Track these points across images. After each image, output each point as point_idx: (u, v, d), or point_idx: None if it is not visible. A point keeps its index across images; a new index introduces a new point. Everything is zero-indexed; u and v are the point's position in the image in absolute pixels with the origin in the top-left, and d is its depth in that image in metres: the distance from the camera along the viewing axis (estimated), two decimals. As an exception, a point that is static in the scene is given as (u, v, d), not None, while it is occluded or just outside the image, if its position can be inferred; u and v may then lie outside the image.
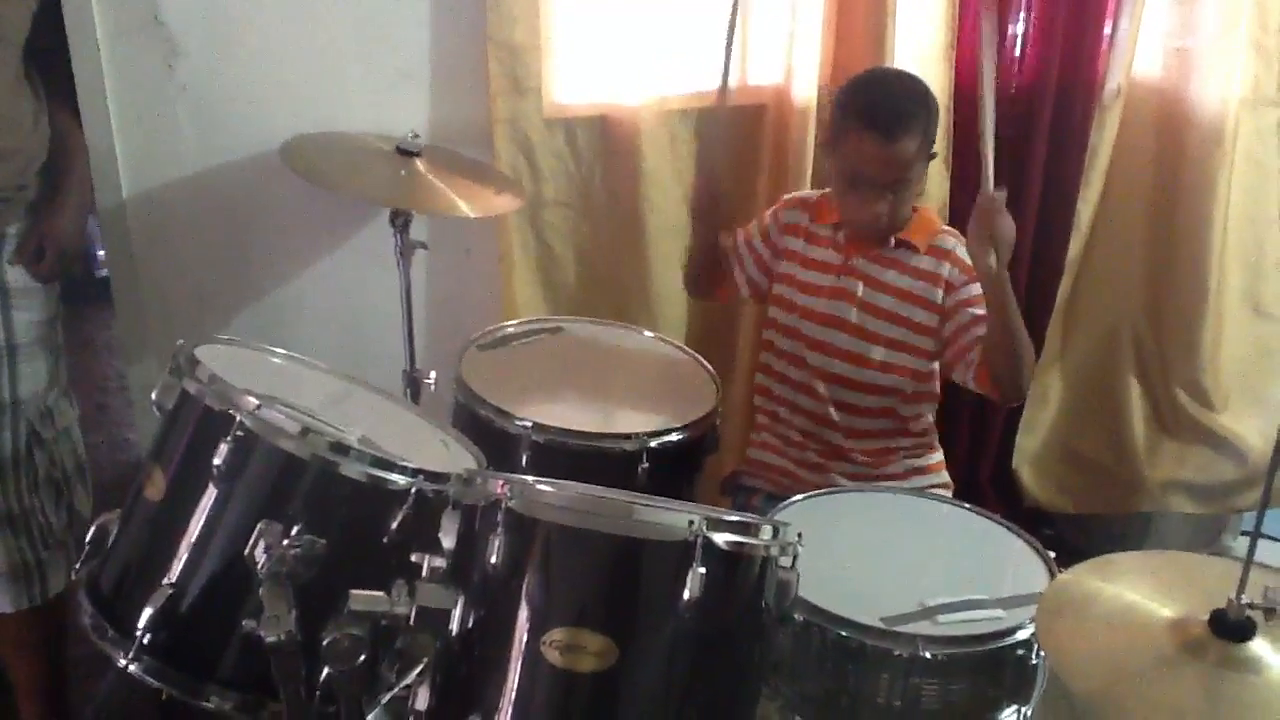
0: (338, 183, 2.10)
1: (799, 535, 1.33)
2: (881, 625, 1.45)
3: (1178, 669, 1.15)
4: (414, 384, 2.14)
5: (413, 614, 1.24)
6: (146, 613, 1.32)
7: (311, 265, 2.32)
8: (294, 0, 2.12)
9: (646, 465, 1.76)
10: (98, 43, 2.01)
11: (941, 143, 2.39)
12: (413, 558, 1.28)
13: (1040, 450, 2.87)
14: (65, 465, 2.00)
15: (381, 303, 2.18)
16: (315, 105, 2.18)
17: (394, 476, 1.36)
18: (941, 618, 1.49)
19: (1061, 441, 2.88)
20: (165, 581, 1.34)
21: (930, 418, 2.15)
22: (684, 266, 2.31)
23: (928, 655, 1.42)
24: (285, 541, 1.27)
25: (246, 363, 1.59)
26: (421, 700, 1.26)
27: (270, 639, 1.22)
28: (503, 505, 1.23)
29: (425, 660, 1.26)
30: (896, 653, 1.43)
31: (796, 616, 1.45)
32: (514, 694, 1.22)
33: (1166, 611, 1.21)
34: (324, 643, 1.21)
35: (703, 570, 1.20)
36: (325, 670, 1.23)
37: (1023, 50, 2.61)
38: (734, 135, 2.49)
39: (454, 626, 1.25)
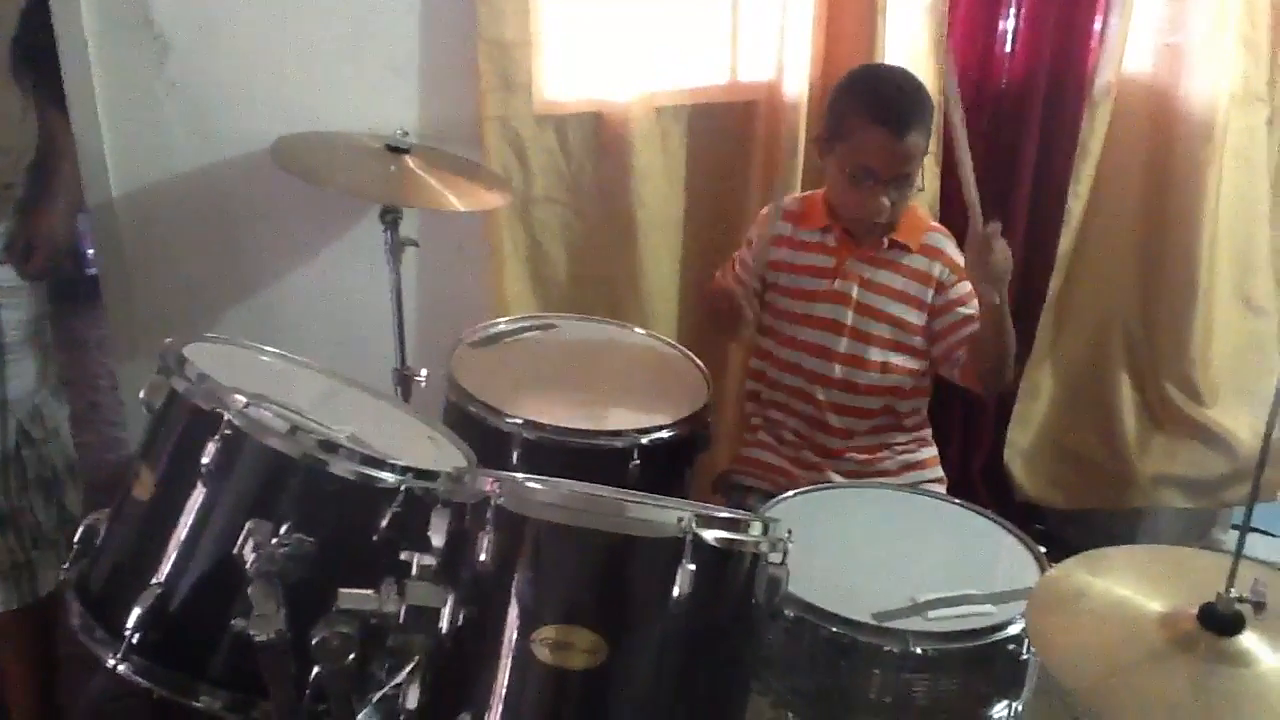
0: (328, 180, 2.09)
1: (789, 532, 1.34)
2: (873, 621, 1.45)
3: (1168, 663, 1.16)
4: (404, 382, 2.14)
5: (402, 612, 1.24)
6: (135, 612, 1.31)
7: (302, 262, 2.31)
8: (283, -3, 2.12)
9: (638, 462, 1.76)
10: (86, 39, 2.00)
11: (933, 139, 2.39)
12: (402, 556, 1.28)
13: (1032, 445, 2.87)
14: (55, 464, 2.00)
15: (372, 300, 2.18)
16: (305, 103, 2.17)
17: (383, 475, 1.36)
18: (933, 613, 1.49)
19: (1053, 436, 2.88)
20: (154, 581, 1.33)
21: (924, 412, 2.16)
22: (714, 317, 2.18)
23: (919, 651, 1.43)
24: (274, 540, 1.26)
25: (235, 361, 1.58)
26: (412, 699, 1.25)
27: (260, 638, 1.21)
28: (492, 503, 1.23)
29: (415, 659, 1.26)
30: (888, 649, 1.43)
31: (788, 613, 1.45)
32: (504, 692, 1.22)
33: (1156, 606, 1.22)
34: (313, 641, 1.21)
35: (693, 567, 1.20)
36: (315, 669, 1.23)
37: (1013, 46, 2.62)
38: (725, 132, 2.49)
39: (444, 625, 1.25)
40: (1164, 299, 2.75)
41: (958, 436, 2.81)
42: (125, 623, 1.31)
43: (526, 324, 2.16)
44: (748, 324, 1.99)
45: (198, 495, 1.34)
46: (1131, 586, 1.26)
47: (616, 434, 1.78)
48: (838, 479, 2.05)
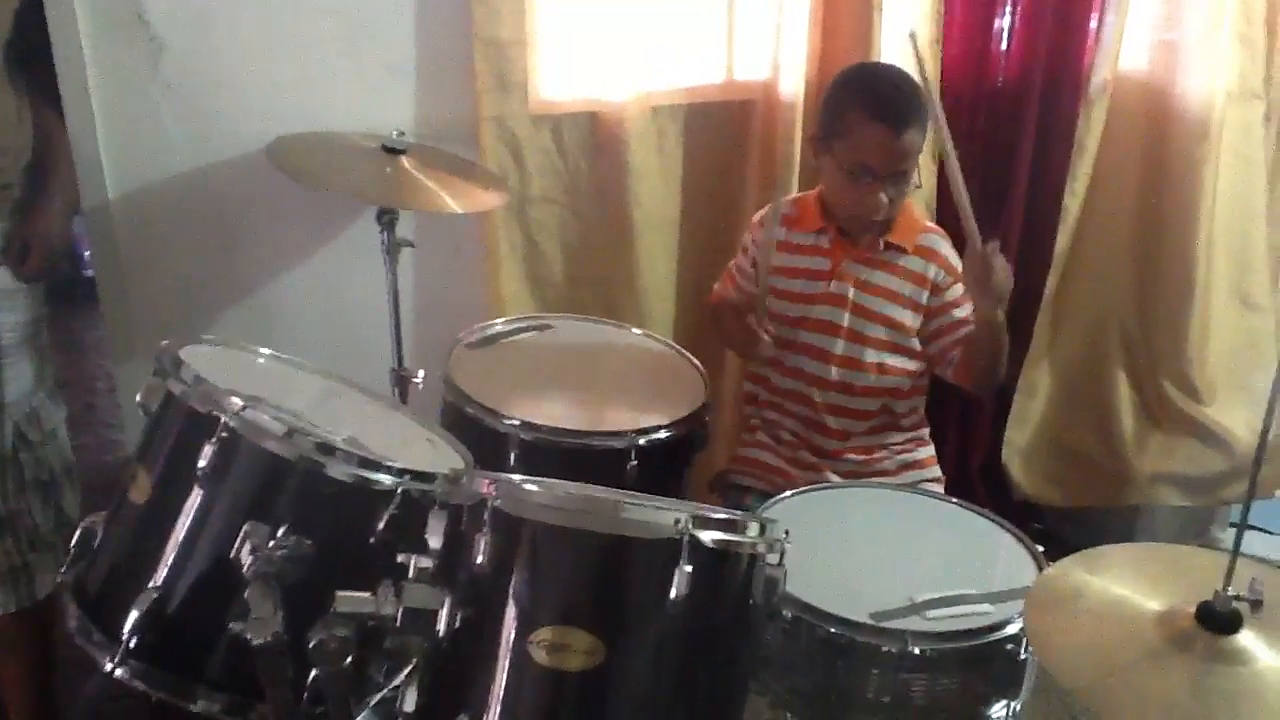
0: (324, 181, 2.09)
1: (786, 532, 1.33)
2: (871, 621, 1.45)
3: (1166, 661, 1.16)
4: (402, 383, 2.14)
5: (400, 614, 1.24)
6: (133, 616, 1.30)
7: (298, 264, 2.31)
8: (279, -2, 2.12)
9: (635, 463, 1.76)
10: (81, 40, 2.00)
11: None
12: (399, 558, 1.28)
13: (1029, 443, 2.87)
14: (53, 467, 1.99)
15: (369, 301, 2.17)
16: (301, 103, 2.17)
17: (380, 477, 1.36)
18: (930, 613, 1.49)
19: (1050, 435, 2.88)
20: (151, 584, 1.33)
21: (921, 412, 2.16)
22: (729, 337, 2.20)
23: (916, 651, 1.42)
24: (271, 543, 1.26)
25: (232, 363, 1.58)
26: (409, 701, 1.25)
27: (257, 641, 1.21)
28: (489, 505, 1.23)
29: (413, 661, 1.25)
30: (885, 648, 1.43)
31: (786, 613, 1.45)
32: (502, 693, 1.22)
33: (1154, 604, 1.22)
34: (311, 644, 1.20)
35: (689, 568, 1.20)
36: (312, 671, 1.23)
37: (1009, 44, 2.61)
38: (721, 131, 2.49)
39: (441, 627, 1.25)
40: (1161, 297, 2.75)
41: (955, 435, 2.80)
42: (123, 626, 1.31)
43: (523, 324, 2.16)
44: (769, 346, 1.99)
45: (195, 498, 1.34)
46: (1129, 585, 1.26)
47: (614, 434, 1.78)
48: (835, 479, 2.05)
